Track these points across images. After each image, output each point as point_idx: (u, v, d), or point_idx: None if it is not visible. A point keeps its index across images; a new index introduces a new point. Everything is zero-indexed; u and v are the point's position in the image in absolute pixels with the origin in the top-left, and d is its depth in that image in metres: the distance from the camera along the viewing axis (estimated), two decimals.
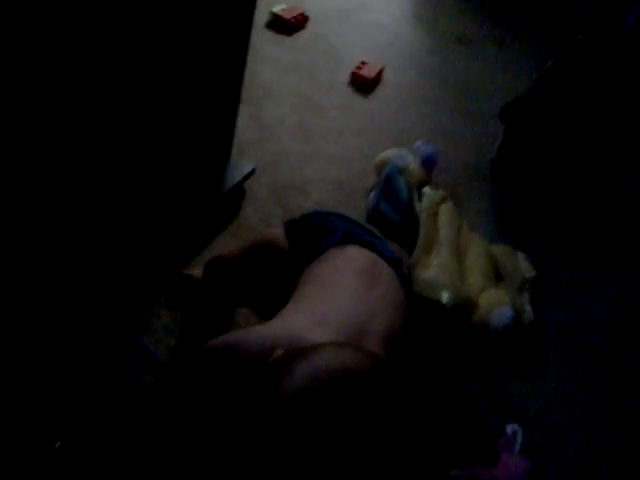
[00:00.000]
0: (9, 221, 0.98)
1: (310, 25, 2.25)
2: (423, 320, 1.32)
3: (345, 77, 2.03)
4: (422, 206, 1.52)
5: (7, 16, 0.79)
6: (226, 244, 1.35)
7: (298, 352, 0.65)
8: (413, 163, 1.61)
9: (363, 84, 2.00)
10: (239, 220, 1.44)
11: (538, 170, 1.76)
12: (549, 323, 1.47)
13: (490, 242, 1.55)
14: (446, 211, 1.52)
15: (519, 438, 1.17)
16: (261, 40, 1.98)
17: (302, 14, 2.24)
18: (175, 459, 0.87)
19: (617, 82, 1.65)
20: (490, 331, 1.34)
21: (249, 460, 0.62)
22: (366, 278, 0.89)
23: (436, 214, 1.52)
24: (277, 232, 1.08)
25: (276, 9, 2.17)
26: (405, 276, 1.00)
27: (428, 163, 1.63)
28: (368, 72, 2.02)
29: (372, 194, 1.61)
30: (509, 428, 1.19)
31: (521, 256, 1.55)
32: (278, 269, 1.02)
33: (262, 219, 1.46)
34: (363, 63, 2.06)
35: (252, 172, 1.47)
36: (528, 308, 1.41)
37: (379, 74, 2.07)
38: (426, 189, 1.57)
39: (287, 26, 2.16)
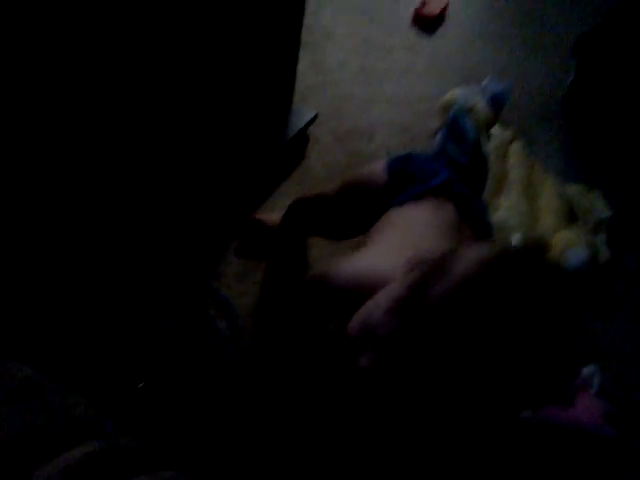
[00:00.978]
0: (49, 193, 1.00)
1: None
2: None
3: (407, 16, 1.96)
4: (491, 147, 1.47)
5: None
6: (292, 191, 1.35)
7: (443, 257, 0.70)
8: (480, 102, 1.56)
9: (426, 22, 1.93)
10: (303, 167, 1.44)
11: (613, 106, 1.68)
12: (626, 264, 1.41)
13: (564, 182, 1.49)
14: (516, 151, 1.47)
15: (597, 379, 1.14)
16: None
17: None
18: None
19: None
20: (565, 272, 1.30)
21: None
22: (455, 235, 0.90)
23: (505, 154, 1.47)
24: (376, 169, 1.08)
25: None
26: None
27: (497, 102, 1.57)
28: (431, 9, 1.95)
29: (438, 136, 1.56)
30: (586, 369, 1.16)
31: (596, 196, 1.48)
32: (370, 206, 1.02)
33: (326, 165, 1.45)
34: (425, 1, 1.98)
35: (315, 118, 1.46)
36: (604, 248, 1.36)
37: (443, 11, 1.99)
38: (495, 129, 1.52)
39: None
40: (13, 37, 0.79)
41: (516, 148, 1.48)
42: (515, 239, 1.27)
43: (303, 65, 1.61)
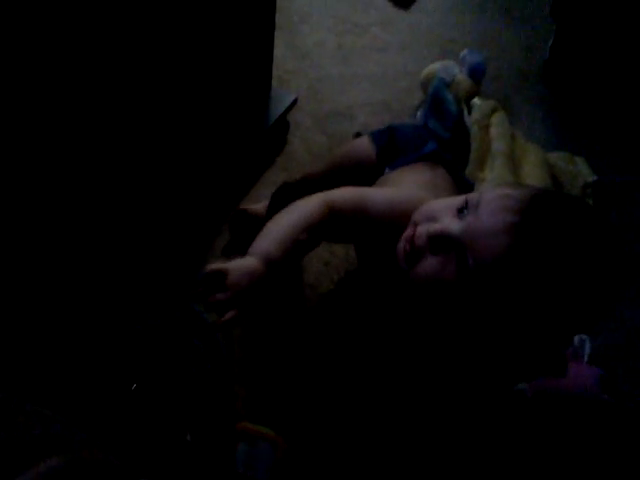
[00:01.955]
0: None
1: None
2: None
3: None
4: (473, 119, 1.46)
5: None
6: (277, 179, 1.34)
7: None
8: (460, 74, 1.55)
9: None
10: (286, 153, 1.43)
11: (594, 68, 1.67)
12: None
13: (547, 149, 1.49)
14: (498, 122, 1.46)
15: (587, 348, 1.15)
16: None
17: None
18: None
19: None
20: None
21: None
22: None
23: (488, 126, 1.46)
24: (362, 145, 1.10)
25: None
26: None
27: (476, 73, 1.56)
28: None
29: (420, 112, 1.55)
30: (576, 338, 1.17)
31: (580, 161, 1.48)
32: (361, 181, 1.03)
33: (309, 149, 1.44)
34: None
35: (295, 102, 1.45)
36: None
37: None
38: (475, 100, 1.51)
39: None
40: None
41: (498, 119, 1.46)
42: None
43: (279, 49, 1.60)
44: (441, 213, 0.81)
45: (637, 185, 1.53)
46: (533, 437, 1.07)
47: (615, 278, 0.78)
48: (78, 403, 0.89)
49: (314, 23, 1.77)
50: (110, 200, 1.12)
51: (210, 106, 1.26)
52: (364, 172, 1.06)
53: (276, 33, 1.35)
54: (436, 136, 1.51)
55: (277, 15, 1.31)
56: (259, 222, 1.23)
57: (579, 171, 1.46)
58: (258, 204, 1.28)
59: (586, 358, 1.14)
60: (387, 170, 1.05)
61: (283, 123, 1.45)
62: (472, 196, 0.80)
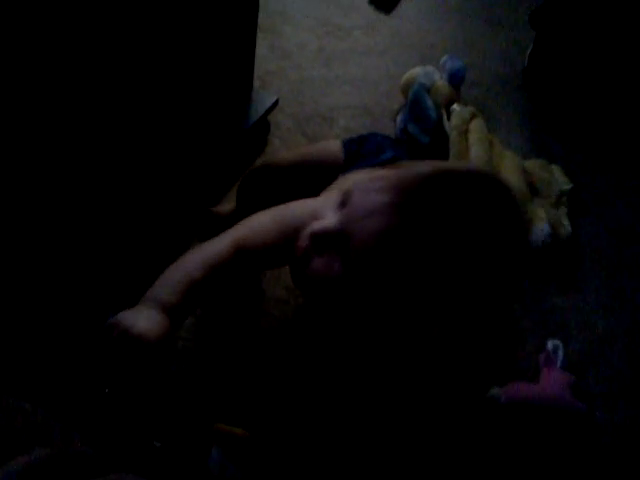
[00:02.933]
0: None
1: None
2: None
3: None
4: (452, 124, 1.48)
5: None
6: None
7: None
8: (440, 80, 1.56)
9: (384, 1, 1.92)
10: (266, 154, 1.43)
11: (573, 76, 1.69)
12: (588, 237, 1.44)
13: (524, 157, 1.51)
14: (477, 128, 1.48)
15: (560, 353, 1.17)
16: None
17: None
18: None
19: None
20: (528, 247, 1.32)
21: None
22: None
23: (466, 132, 1.48)
24: (333, 148, 1.11)
25: None
26: None
27: (455, 79, 1.57)
28: None
29: (399, 116, 1.57)
30: (549, 344, 1.19)
31: (556, 169, 1.50)
32: (322, 182, 1.02)
33: (289, 150, 1.44)
34: None
35: (276, 103, 1.45)
36: (566, 222, 1.38)
37: None
38: (455, 106, 1.53)
39: None
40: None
41: (476, 125, 1.48)
42: None
43: (261, 50, 1.60)
44: (324, 211, 0.80)
45: (610, 194, 1.55)
46: (506, 443, 1.08)
47: (506, 249, 0.77)
48: (54, 400, 0.88)
49: (296, 25, 1.78)
50: (85, 198, 1.11)
51: (190, 105, 1.25)
52: (329, 172, 1.06)
53: (258, 34, 1.35)
54: (416, 141, 1.53)
55: (259, 16, 1.31)
56: (225, 222, 1.24)
57: (555, 179, 1.48)
58: (226, 204, 1.28)
59: (559, 364, 1.16)
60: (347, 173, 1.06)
61: (264, 124, 1.45)
62: (347, 188, 0.79)
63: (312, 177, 1.05)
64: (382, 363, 1.02)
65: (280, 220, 0.87)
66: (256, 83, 1.45)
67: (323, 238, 0.77)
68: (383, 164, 1.01)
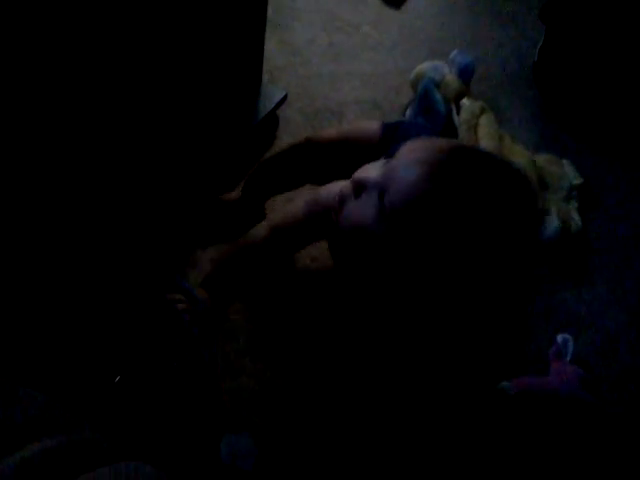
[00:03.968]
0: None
1: None
2: None
3: None
4: (461, 119, 1.48)
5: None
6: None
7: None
8: (450, 75, 1.56)
9: None
10: (274, 149, 1.43)
11: (583, 71, 1.68)
12: (598, 231, 1.43)
13: (534, 151, 1.50)
14: (486, 123, 1.47)
15: (570, 347, 1.17)
16: None
17: None
18: None
19: None
20: (537, 242, 1.32)
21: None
22: None
23: (476, 126, 1.47)
24: (375, 125, 1.16)
25: None
26: None
27: (465, 73, 1.57)
28: None
29: (409, 110, 1.56)
30: (559, 337, 1.18)
31: (567, 163, 1.49)
32: (361, 160, 1.06)
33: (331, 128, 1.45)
34: None
35: (284, 98, 1.45)
36: (576, 217, 1.38)
37: None
38: (464, 101, 1.52)
39: None
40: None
41: (486, 120, 1.48)
42: None
43: (271, 45, 1.60)
44: (370, 169, 0.87)
45: (621, 189, 1.54)
46: (516, 435, 1.08)
47: (525, 229, 0.83)
48: (64, 389, 0.89)
49: (305, 20, 1.77)
50: (94, 193, 1.12)
51: (199, 100, 1.26)
52: (363, 151, 1.10)
53: (267, 29, 1.35)
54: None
55: (268, 11, 1.31)
56: (230, 209, 1.26)
57: (565, 173, 1.47)
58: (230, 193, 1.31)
59: (569, 357, 1.16)
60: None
61: (273, 119, 1.45)
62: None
63: (348, 156, 1.09)
64: (398, 348, 1.05)
65: (311, 201, 0.99)
66: (265, 78, 1.45)
67: (363, 186, 0.84)
68: None
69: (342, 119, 1.53)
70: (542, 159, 1.48)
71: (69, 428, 0.48)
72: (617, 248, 1.42)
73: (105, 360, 0.98)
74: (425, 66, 1.58)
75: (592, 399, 1.11)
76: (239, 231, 1.21)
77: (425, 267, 0.80)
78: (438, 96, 1.52)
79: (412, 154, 0.81)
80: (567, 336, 1.19)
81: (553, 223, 1.30)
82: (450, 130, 1.49)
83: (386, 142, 1.10)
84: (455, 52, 1.62)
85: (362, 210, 0.83)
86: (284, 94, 1.44)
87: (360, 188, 0.84)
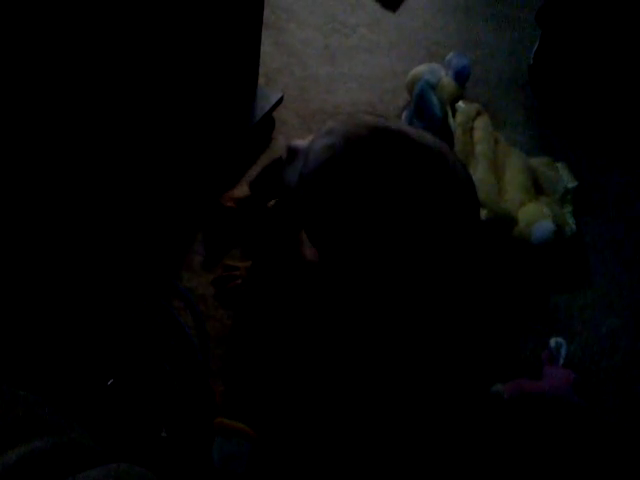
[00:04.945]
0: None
1: None
2: None
3: None
4: (457, 122, 1.48)
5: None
6: None
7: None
8: (446, 77, 1.56)
9: None
10: (271, 150, 1.43)
11: (579, 74, 1.68)
12: (593, 235, 1.44)
13: (529, 154, 1.51)
14: (482, 125, 1.47)
15: (563, 351, 1.17)
16: None
17: None
18: None
19: None
20: (531, 245, 1.32)
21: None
22: None
23: (471, 129, 1.48)
24: None
25: None
26: None
27: (461, 76, 1.57)
28: None
29: (405, 113, 1.57)
30: (552, 341, 1.19)
31: (562, 166, 1.50)
32: None
33: None
34: None
35: (280, 100, 1.45)
36: (570, 220, 1.38)
37: None
38: (460, 103, 1.53)
39: None
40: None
41: (481, 123, 1.48)
42: (481, 215, 1.28)
43: (267, 46, 1.60)
44: (306, 138, 0.97)
45: (616, 193, 1.55)
46: (509, 437, 1.08)
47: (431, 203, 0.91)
48: (54, 390, 0.89)
49: (302, 22, 1.78)
50: (94, 193, 1.12)
51: (196, 102, 1.26)
52: None
53: (263, 31, 1.35)
54: None
55: (265, 13, 1.31)
56: (236, 210, 1.26)
57: (560, 176, 1.47)
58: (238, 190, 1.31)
59: (562, 361, 1.16)
60: None
61: (269, 121, 1.45)
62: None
63: None
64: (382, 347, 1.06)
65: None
66: (261, 80, 1.45)
67: (294, 153, 0.95)
68: None
69: None
70: (537, 162, 1.49)
71: (59, 429, 0.48)
72: (612, 252, 1.42)
73: (98, 363, 0.98)
74: (421, 68, 1.58)
75: (584, 403, 1.11)
76: (244, 229, 1.22)
77: (339, 229, 0.90)
78: (434, 98, 1.52)
79: (337, 126, 0.90)
80: (560, 340, 1.19)
81: (547, 226, 1.31)
82: (446, 132, 1.49)
83: None
84: (451, 55, 1.62)
85: (290, 176, 0.93)
86: (280, 96, 1.44)
87: (292, 155, 0.94)
